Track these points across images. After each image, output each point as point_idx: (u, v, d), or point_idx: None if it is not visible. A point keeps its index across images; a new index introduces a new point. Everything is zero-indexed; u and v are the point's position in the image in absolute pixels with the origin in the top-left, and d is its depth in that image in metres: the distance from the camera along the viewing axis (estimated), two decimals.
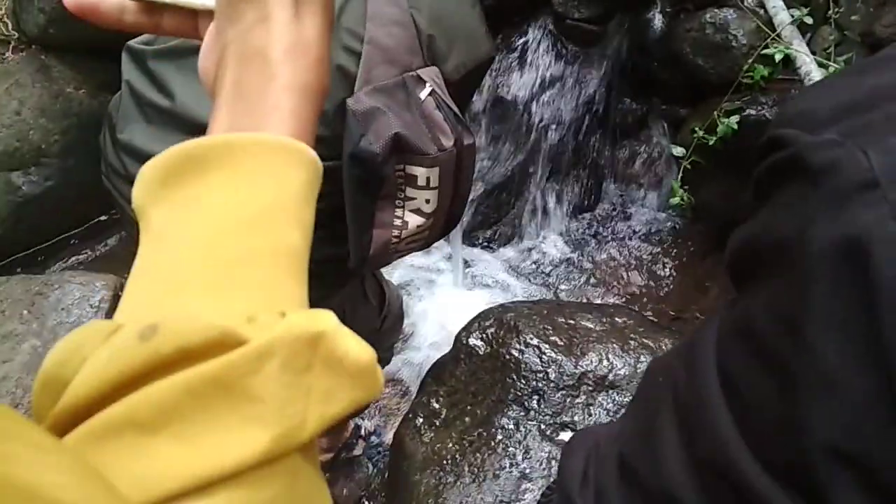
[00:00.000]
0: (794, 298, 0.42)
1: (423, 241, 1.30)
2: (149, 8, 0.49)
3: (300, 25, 0.45)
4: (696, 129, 2.46)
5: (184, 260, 0.38)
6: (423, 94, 1.13)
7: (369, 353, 0.37)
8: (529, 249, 2.83)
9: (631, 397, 1.85)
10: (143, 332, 0.32)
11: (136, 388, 0.32)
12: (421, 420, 1.94)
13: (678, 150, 2.56)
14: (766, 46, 2.30)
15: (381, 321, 1.78)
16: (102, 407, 0.32)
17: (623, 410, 1.84)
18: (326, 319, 0.36)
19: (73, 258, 2.73)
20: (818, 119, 0.45)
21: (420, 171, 1.15)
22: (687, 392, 0.52)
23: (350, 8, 1.13)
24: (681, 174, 2.53)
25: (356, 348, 0.36)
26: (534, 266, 2.77)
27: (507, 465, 1.77)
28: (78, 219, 2.84)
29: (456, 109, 1.15)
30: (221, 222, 0.38)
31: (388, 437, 2.14)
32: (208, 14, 0.48)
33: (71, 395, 0.32)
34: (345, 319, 0.40)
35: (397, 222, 1.21)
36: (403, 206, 1.20)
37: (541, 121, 2.74)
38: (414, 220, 1.21)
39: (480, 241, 2.84)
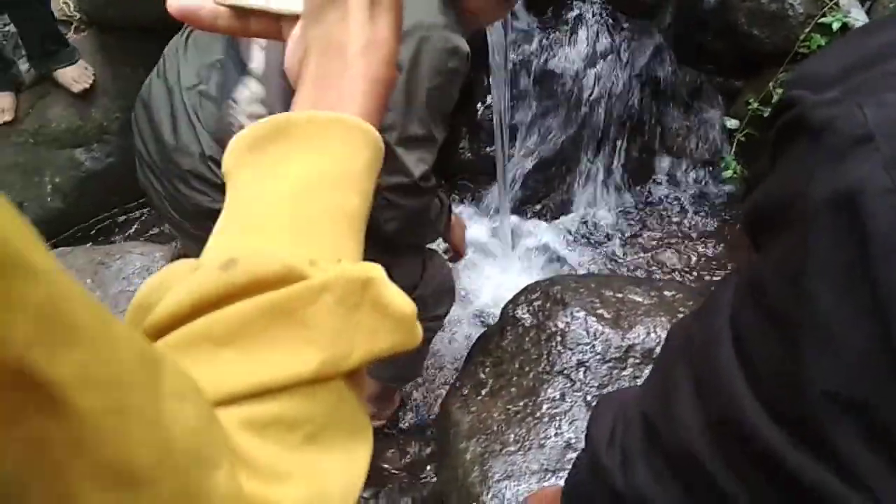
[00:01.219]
0: (796, 252, 0.43)
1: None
2: (238, 14, 0.56)
3: (374, 25, 0.51)
4: (751, 100, 2.41)
5: (264, 210, 0.44)
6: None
7: (411, 305, 0.41)
8: (579, 223, 2.81)
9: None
10: (225, 263, 0.38)
11: (214, 310, 0.37)
12: (467, 390, 1.96)
13: (732, 123, 2.51)
14: (824, 15, 2.24)
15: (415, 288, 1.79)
16: (183, 325, 0.37)
17: None
18: (377, 270, 0.41)
19: (133, 229, 2.83)
20: (824, 79, 0.46)
21: None
22: (700, 350, 0.53)
23: None
24: (735, 147, 2.48)
25: (399, 298, 0.40)
26: (583, 239, 2.76)
27: (552, 435, 1.78)
28: (137, 193, 2.93)
29: None
30: (298, 182, 0.45)
31: (436, 408, 2.18)
32: (290, 19, 0.54)
33: (156, 315, 0.38)
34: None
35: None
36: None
37: (591, 94, 2.71)
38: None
39: (529, 214, 2.84)
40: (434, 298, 1.86)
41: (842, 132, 0.41)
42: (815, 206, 0.42)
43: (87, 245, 1.95)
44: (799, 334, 0.43)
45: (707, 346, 0.52)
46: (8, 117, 2.67)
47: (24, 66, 2.76)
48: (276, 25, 0.55)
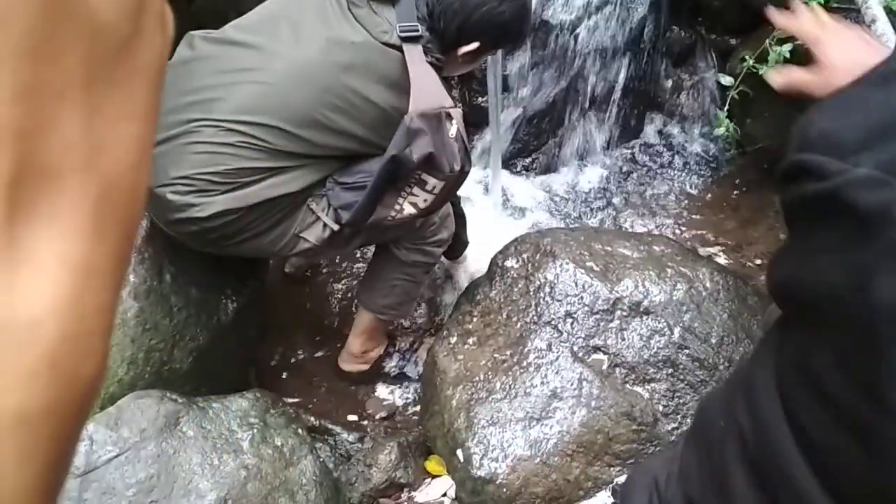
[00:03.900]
0: (869, 362, 0.40)
1: (406, 224, 1.77)
2: None
3: (10, 284, 0.25)
4: (746, 57, 2.39)
5: None
6: (452, 128, 1.60)
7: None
8: (569, 178, 2.80)
9: (665, 325, 1.86)
10: None
11: None
12: (455, 338, 1.97)
13: (726, 80, 2.50)
14: None
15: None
16: None
17: (654, 336, 1.85)
18: None
19: None
20: (845, 143, 0.42)
21: (432, 181, 1.65)
22: (754, 440, 0.50)
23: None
24: (728, 104, 2.47)
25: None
26: (573, 194, 2.76)
27: (538, 384, 1.80)
28: None
29: (468, 144, 1.65)
30: None
31: (423, 354, 2.19)
32: None
33: None
34: None
35: (397, 207, 1.69)
36: (405, 198, 1.68)
37: (585, 47, 2.67)
38: (409, 210, 1.70)
39: (519, 168, 2.82)
40: (440, 219, 1.93)
41: None
42: (885, 313, 0.38)
43: None
44: (881, 443, 0.40)
45: (763, 437, 0.49)
46: None
47: None
48: None
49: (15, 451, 0.25)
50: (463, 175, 1.69)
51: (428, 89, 1.60)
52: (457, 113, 1.62)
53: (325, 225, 1.73)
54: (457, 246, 2.23)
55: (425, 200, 1.68)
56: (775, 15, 0.88)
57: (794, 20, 0.83)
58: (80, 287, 0.26)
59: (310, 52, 1.57)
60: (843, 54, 0.72)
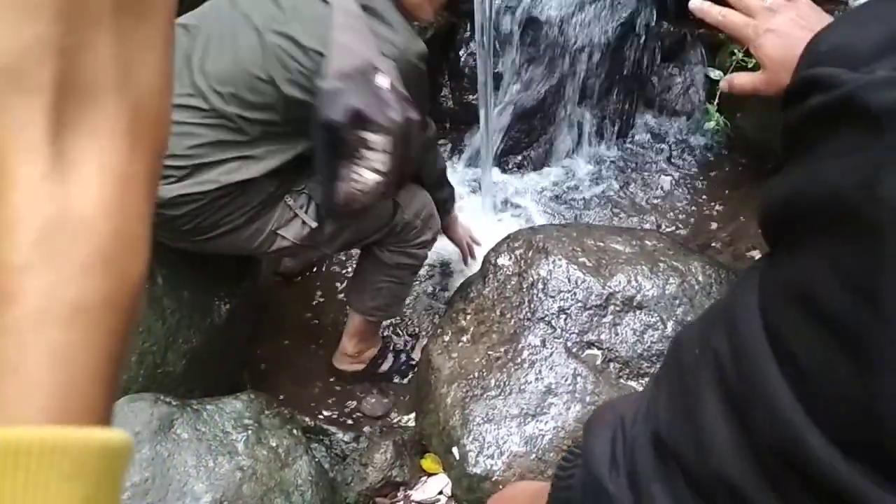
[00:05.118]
0: (866, 261, 0.37)
1: (382, 194, 1.66)
2: None
3: (63, 186, 0.27)
4: (735, 51, 2.40)
5: None
6: (383, 80, 1.53)
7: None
8: (561, 174, 2.81)
9: (658, 319, 1.87)
10: None
11: None
12: (449, 336, 1.97)
13: (716, 74, 2.50)
14: None
15: (391, 218, 1.87)
16: None
17: (648, 330, 1.86)
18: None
19: None
20: (860, 54, 0.40)
21: (374, 138, 1.54)
22: (734, 368, 0.47)
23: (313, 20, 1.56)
24: (717, 98, 2.47)
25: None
26: (564, 191, 2.76)
27: (533, 380, 1.80)
28: None
29: (405, 93, 1.56)
30: None
31: (417, 353, 2.19)
32: None
33: None
34: None
35: (356, 177, 1.58)
36: (360, 165, 1.57)
37: (575, 43, 2.68)
38: (371, 177, 1.58)
39: (511, 165, 2.82)
40: (422, 222, 1.89)
41: None
42: (891, 209, 0.36)
43: None
44: (875, 358, 0.38)
45: (743, 364, 0.46)
46: None
47: None
48: None
49: (76, 339, 0.27)
50: (410, 124, 1.58)
51: (348, 47, 1.54)
52: (386, 64, 1.55)
53: (303, 222, 1.73)
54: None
55: (382, 162, 1.58)
56: (701, 9, 0.76)
57: (720, 16, 0.74)
58: (123, 194, 0.28)
59: (252, 18, 1.59)
60: (782, 49, 0.68)
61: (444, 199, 2.08)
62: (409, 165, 1.70)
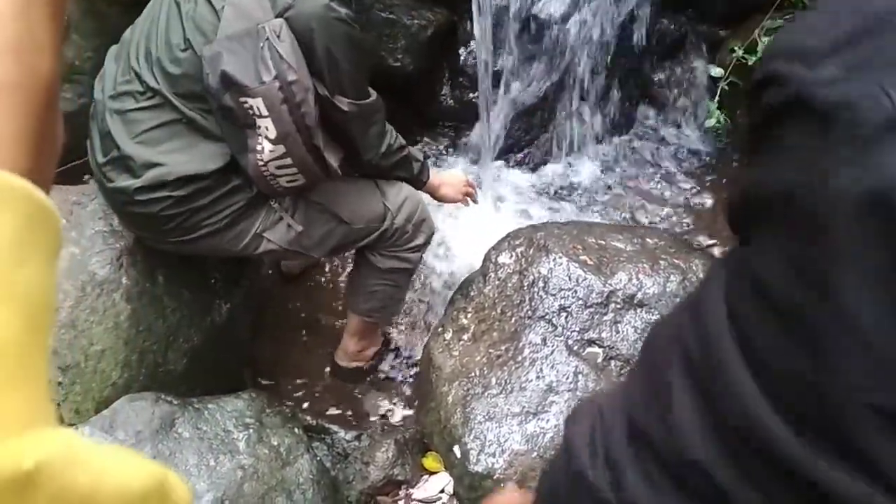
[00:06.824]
0: (818, 255, 0.39)
1: (296, 176, 1.59)
2: None
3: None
4: (736, 48, 2.40)
5: None
6: (269, 42, 1.47)
7: (144, 477, 0.28)
8: (561, 172, 2.80)
9: (658, 316, 1.86)
10: None
11: None
12: (450, 335, 1.97)
13: (716, 71, 2.51)
14: None
15: (381, 223, 1.83)
16: None
17: (649, 328, 1.86)
18: (47, 442, 0.26)
19: None
20: (817, 51, 0.41)
21: (252, 102, 1.48)
22: (699, 351, 0.49)
23: None
24: (718, 95, 2.47)
25: (115, 475, 0.27)
26: (565, 188, 2.75)
27: (534, 378, 1.80)
28: None
29: (282, 52, 1.47)
30: None
31: (418, 351, 2.18)
32: None
33: None
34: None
35: (258, 147, 1.53)
36: (259, 135, 1.52)
37: (575, 40, 2.67)
38: (267, 146, 1.52)
39: (511, 163, 2.82)
40: (414, 226, 1.86)
41: (864, 118, 0.37)
42: (840, 205, 0.38)
43: (62, 185, 1.91)
44: (825, 342, 0.40)
45: (707, 348, 0.48)
46: None
47: None
48: None
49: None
50: (288, 84, 1.48)
51: (242, 9, 1.50)
52: (274, 24, 1.48)
53: (289, 226, 1.72)
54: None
55: (268, 128, 1.51)
56: None
57: None
58: (29, 4, 0.34)
59: None
60: None
61: (412, 178, 1.91)
62: (314, 135, 1.56)
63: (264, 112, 1.49)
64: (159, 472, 0.31)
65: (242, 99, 1.48)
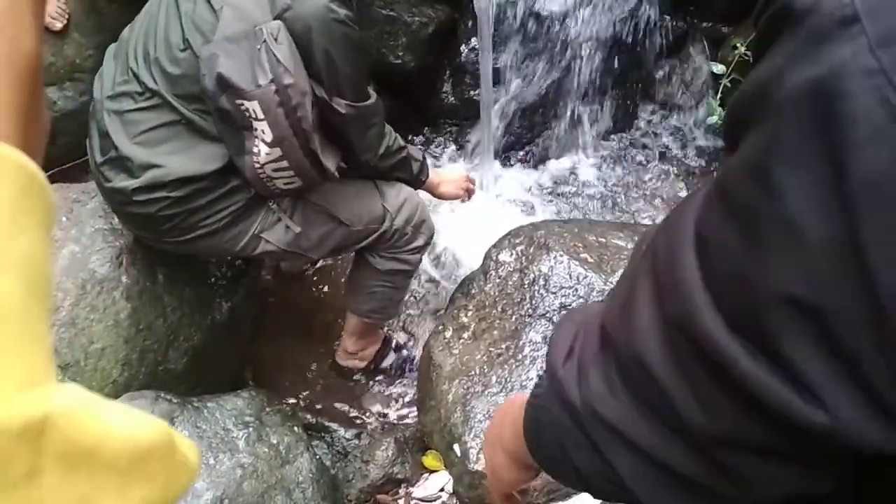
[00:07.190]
0: (763, 144, 0.40)
1: (292, 178, 1.58)
2: None
3: None
4: (738, 45, 2.39)
5: None
6: (258, 43, 1.45)
7: (151, 430, 0.29)
8: (562, 169, 2.80)
9: None
10: None
11: None
12: (450, 333, 1.96)
13: (718, 68, 2.50)
14: None
15: (380, 224, 1.83)
16: None
17: None
18: (54, 396, 0.27)
19: None
20: None
21: (248, 104, 1.47)
22: (663, 255, 0.50)
23: None
24: (720, 92, 2.46)
25: (122, 426, 0.28)
26: (566, 186, 2.75)
27: (534, 377, 1.80)
28: None
29: (278, 55, 1.44)
30: None
31: (418, 350, 2.18)
32: None
33: None
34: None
35: (254, 150, 1.52)
36: (255, 137, 1.51)
37: (577, 38, 2.67)
38: (263, 149, 1.51)
39: (512, 160, 2.82)
40: (413, 228, 1.86)
41: (824, 14, 0.37)
42: (787, 94, 0.38)
43: (62, 183, 1.91)
44: (759, 229, 0.40)
45: (670, 250, 0.48)
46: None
47: None
48: None
49: None
50: (284, 87, 1.46)
51: (241, 10, 1.49)
52: (272, 26, 1.46)
53: (287, 227, 1.71)
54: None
55: (264, 131, 1.50)
56: None
57: None
58: None
59: None
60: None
61: (411, 178, 1.91)
62: (310, 139, 1.54)
63: (260, 115, 1.48)
64: (166, 428, 0.31)
65: (238, 101, 1.47)
